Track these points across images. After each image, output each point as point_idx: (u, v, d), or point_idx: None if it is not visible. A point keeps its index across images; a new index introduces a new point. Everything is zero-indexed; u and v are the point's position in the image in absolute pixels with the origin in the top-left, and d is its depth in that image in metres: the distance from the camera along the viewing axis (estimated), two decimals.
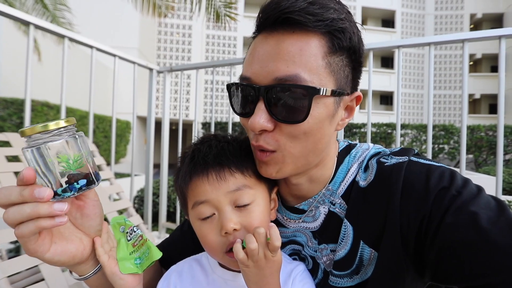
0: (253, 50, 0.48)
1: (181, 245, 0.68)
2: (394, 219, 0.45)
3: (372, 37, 17.16)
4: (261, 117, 0.45)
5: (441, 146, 8.66)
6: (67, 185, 0.38)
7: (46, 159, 0.37)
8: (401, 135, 8.64)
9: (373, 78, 1.46)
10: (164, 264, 0.67)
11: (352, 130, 8.60)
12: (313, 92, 0.43)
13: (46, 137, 0.37)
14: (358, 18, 17.56)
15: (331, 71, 0.45)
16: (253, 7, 15.82)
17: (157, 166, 2.20)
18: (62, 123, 0.38)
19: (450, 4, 18.11)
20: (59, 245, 0.44)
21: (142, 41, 12.83)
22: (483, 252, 0.38)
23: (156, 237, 1.97)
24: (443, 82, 17.86)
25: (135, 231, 0.55)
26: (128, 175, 2.36)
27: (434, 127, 8.47)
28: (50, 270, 0.86)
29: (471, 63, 18.61)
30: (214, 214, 0.50)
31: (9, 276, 0.80)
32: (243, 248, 0.45)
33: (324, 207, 0.55)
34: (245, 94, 0.48)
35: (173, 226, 1.97)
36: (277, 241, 0.44)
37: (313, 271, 0.56)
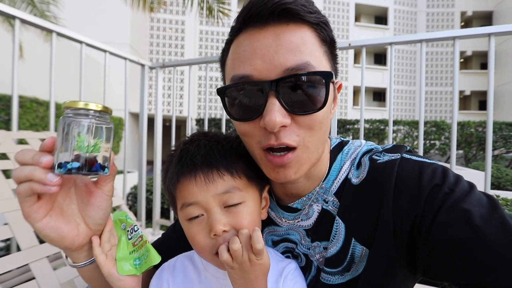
0: (246, 47, 0.44)
1: (174, 244, 0.68)
2: (387, 216, 0.45)
3: (365, 34, 17.25)
4: (277, 113, 0.42)
5: (432, 142, 8.78)
6: (64, 162, 0.39)
7: (70, 133, 0.39)
8: (394, 131, 8.74)
9: (366, 75, 1.47)
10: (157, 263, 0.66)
11: (345, 127, 8.66)
12: (329, 76, 0.43)
13: (82, 113, 0.40)
14: (351, 15, 17.64)
15: (328, 59, 0.47)
16: None
17: (150, 163, 2.18)
18: (100, 106, 0.41)
19: (441, 1, 18.34)
20: (53, 220, 0.44)
21: (134, 36, 12.60)
22: (476, 250, 0.38)
23: (150, 234, 1.96)
24: (434, 79, 18.13)
25: (135, 231, 0.54)
26: (120, 172, 2.33)
27: (425, 123, 8.59)
28: (41, 269, 0.84)
29: (462, 60, 18.90)
30: (203, 214, 0.49)
31: None
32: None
33: (317, 205, 0.55)
34: (248, 94, 0.45)
35: (167, 223, 1.96)
36: (259, 244, 0.43)
37: (306, 269, 0.55)
